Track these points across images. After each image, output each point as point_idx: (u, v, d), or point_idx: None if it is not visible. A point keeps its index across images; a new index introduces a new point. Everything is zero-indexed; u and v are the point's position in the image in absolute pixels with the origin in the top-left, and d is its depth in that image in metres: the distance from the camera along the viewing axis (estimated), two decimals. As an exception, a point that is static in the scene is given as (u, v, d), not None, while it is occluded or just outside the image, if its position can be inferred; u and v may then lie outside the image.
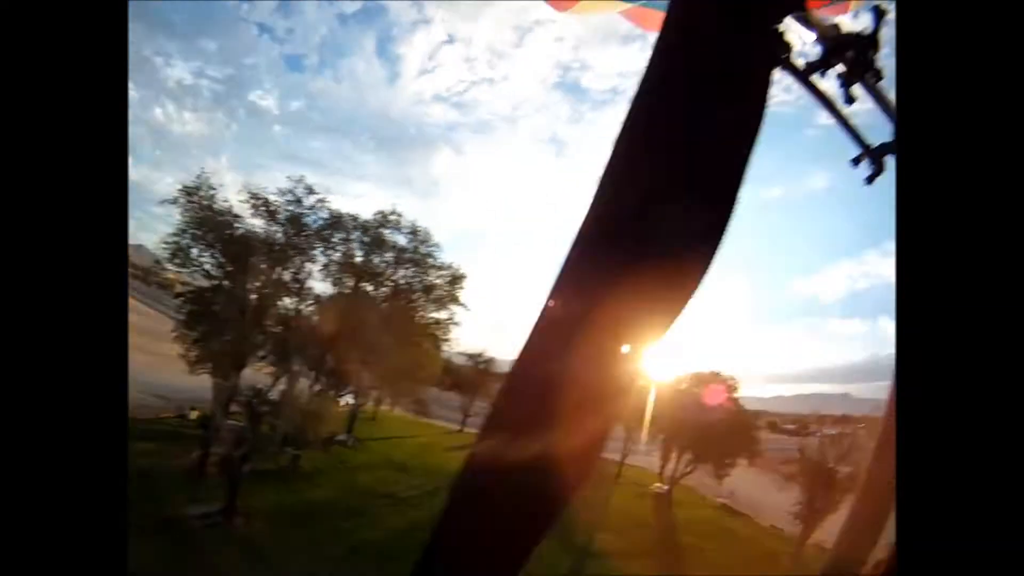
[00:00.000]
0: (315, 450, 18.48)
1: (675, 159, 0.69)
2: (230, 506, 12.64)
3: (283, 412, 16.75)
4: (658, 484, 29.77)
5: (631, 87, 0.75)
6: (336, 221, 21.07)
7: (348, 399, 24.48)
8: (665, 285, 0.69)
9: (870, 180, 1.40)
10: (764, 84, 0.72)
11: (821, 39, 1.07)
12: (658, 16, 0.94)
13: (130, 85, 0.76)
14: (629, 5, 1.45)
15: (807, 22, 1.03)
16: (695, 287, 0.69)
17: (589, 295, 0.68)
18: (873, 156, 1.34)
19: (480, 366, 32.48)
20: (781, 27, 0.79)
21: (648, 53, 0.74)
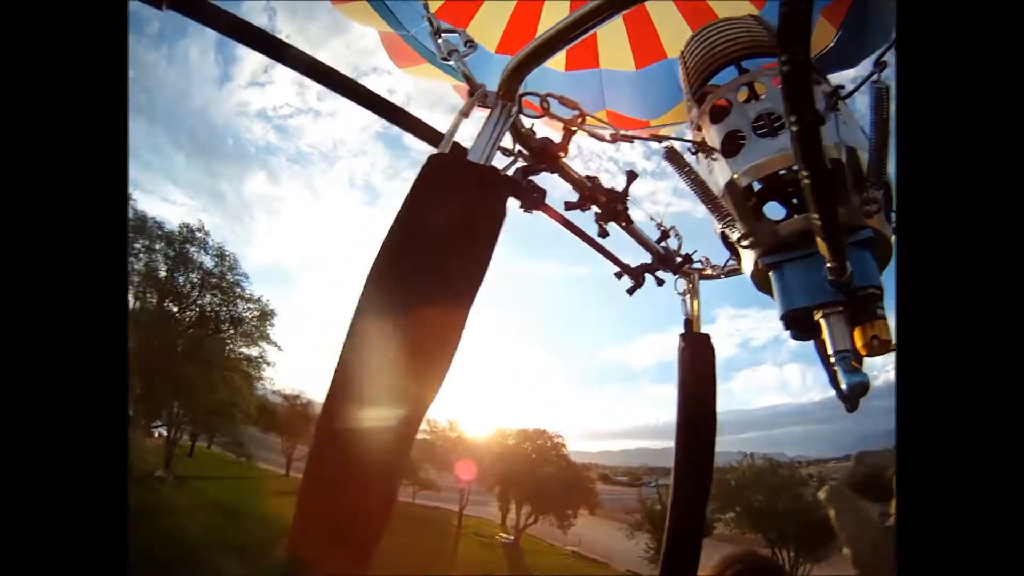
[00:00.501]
0: (132, 486, 16.92)
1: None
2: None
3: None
4: (503, 534, 29.70)
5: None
6: (141, 224, 18.90)
7: (161, 431, 22.28)
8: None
9: (631, 291, 1.76)
10: (495, 234, 0.91)
11: (577, 188, 1.35)
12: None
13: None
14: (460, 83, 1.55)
15: (565, 175, 1.30)
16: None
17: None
18: (631, 273, 1.74)
19: (298, 408, 30.12)
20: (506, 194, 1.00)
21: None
